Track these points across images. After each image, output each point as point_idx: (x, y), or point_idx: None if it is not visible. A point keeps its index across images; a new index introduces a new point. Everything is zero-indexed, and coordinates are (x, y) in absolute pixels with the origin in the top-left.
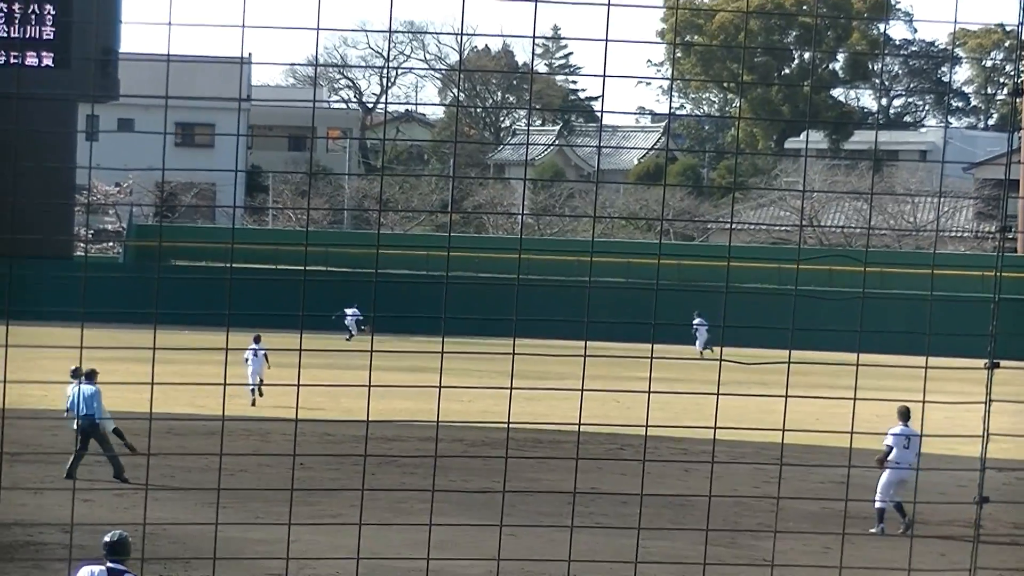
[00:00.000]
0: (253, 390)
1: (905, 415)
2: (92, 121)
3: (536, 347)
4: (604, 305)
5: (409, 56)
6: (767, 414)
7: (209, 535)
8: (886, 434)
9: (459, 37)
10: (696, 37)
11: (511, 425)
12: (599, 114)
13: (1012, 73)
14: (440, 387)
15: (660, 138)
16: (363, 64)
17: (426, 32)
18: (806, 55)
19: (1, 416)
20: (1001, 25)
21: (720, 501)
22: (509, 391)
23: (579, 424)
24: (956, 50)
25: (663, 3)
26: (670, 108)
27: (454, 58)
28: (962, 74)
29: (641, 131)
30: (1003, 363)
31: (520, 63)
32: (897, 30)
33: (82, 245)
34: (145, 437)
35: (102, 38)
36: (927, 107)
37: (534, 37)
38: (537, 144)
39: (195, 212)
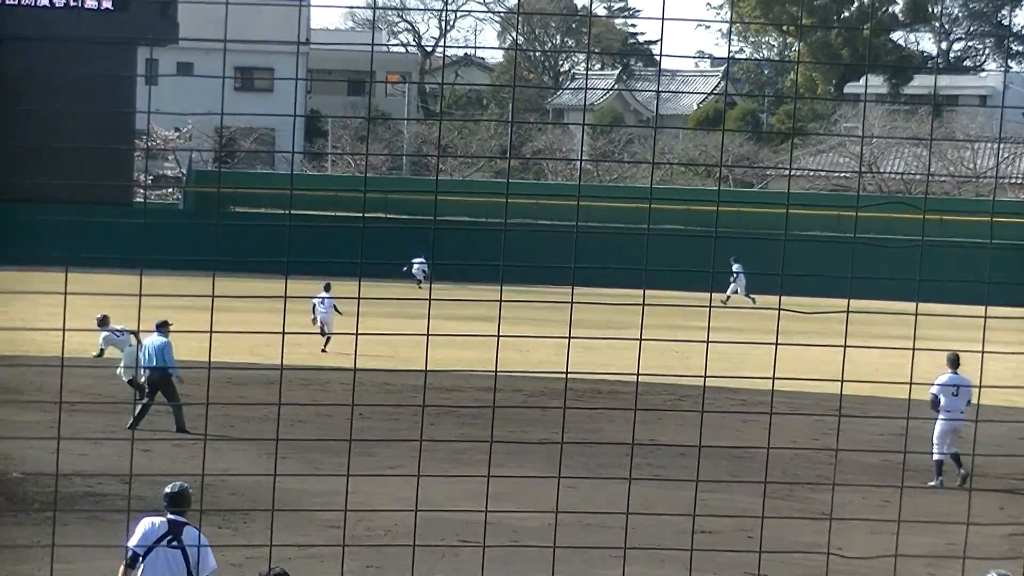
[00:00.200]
0: (325, 336)
1: (954, 362)
2: (151, 65)
3: (594, 295)
4: (663, 253)
5: None
6: (825, 364)
7: (267, 486)
8: (932, 384)
9: None
10: None
11: (569, 375)
12: (658, 58)
13: None
14: (498, 336)
15: (719, 83)
16: (422, 7)
17: None
18: None
19: (61, 364)
20: None
21: (778, 453)
22: (567, 341)
23: (637, 374)
24: None
25: None
26: (729, 52)
27: (513, 1)
28: (1023, 17)
29: (700, 75)
30: None
31: (579, 6)
32: None
33: (141, 191)
34: (204, 386)
35: None
36: (987, 51)
37: None
38: (596, 88)
39: (254, 158)
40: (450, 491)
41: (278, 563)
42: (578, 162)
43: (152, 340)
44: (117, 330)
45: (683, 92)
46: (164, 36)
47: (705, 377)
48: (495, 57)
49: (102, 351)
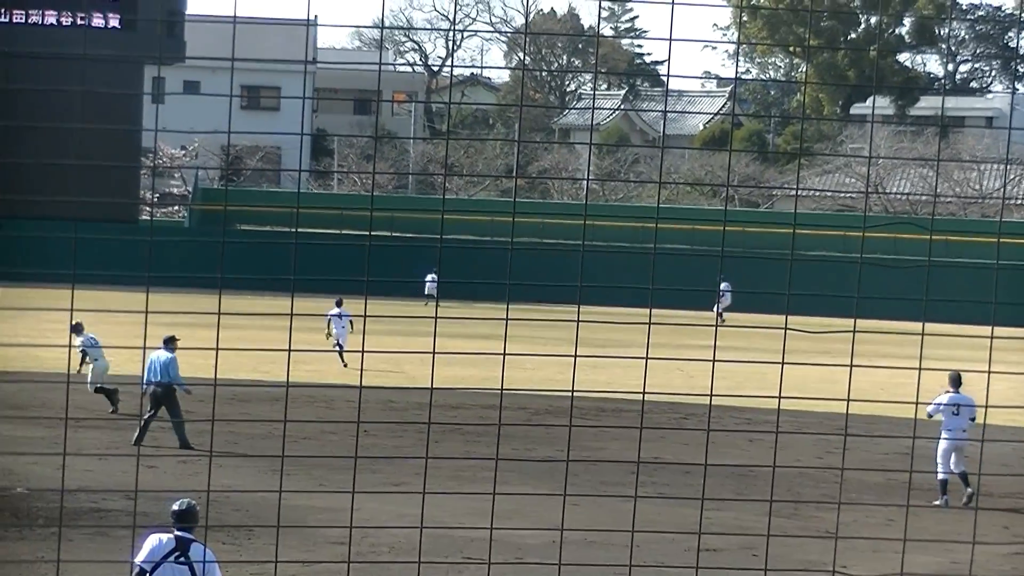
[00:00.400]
0: (341, 353)
1: (956, 381)
2: (158, 83)
3: (600, 314)
4: (669, 272)
5: (475, 19)
6: (830, 384)
7: (272, 502)
8: (931, 402)
9: (525, 0)
10: (762, 1)
11: (575, 393)
12: (665, 78)
13: None
14: (504, 354)
15: (726, 103)
16: (429, 27)
17: None
18: (872, 19)
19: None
20: None
21: (783, 472)
22: (574, 359)
23: (643, 393)
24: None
25: None
26: (736, 73)
27: (519, 21)
28: None
29: (707, 96)
30: None
31: (586, 26)
32: None
33: (147, 209)
34: (209, 403)
35: (168, 0)
36: (993, 72)
37: (600, 0)
38: (602, 108)
39: (260, 176)
40: (454, 508)
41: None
42: (585, 181)
43: (158, 355)
44: (91, 337)
45: (689, 112)
46: (171, 55)
47: (711, 396)
48: (501, 77)
49: (84, 355)
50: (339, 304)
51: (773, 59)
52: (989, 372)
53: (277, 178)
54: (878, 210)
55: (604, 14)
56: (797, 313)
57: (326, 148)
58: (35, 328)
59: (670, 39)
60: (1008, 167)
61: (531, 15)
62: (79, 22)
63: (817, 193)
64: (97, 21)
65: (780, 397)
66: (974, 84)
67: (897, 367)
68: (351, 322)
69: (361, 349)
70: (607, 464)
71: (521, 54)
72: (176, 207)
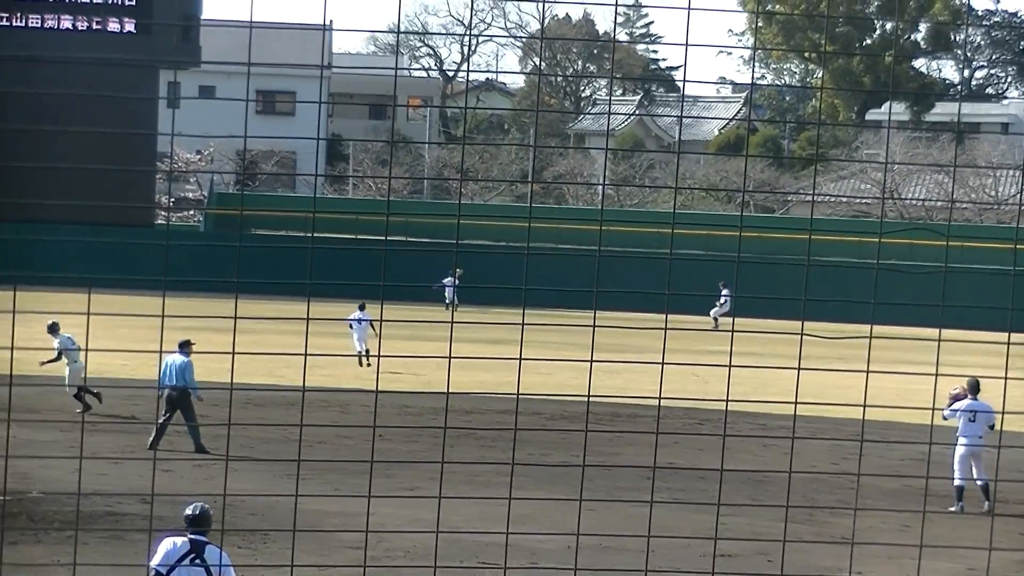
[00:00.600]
0: (361, 355)
1: (975, 388)
2: (173, 88)
3: (615, 319)
4: (684, 277)
5: (490, 24)
6: (846, 389)
7: (288, 507)
8: (948, 407)
9: (540, 5)
10: (778, 6)
11: (590, 398)
12: (680, 84)
13: None
14: (520, 359)
15: (741, 109)
16: (444, 32)
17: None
18: (888, 25)
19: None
20: None
21: (798, 477)
22: (589, 364)
23: (659, 398)
24: None
25: None
26: (752, 78)
27: (535, 26)
28: None
29: (722, 101)
30: None
31: (601, 32)
32: (980, 0)
33: (163, 213)
34: (225, 407)
35: (183, 4)
36: (1009, 79)
37: (616, 5)
38: (618, 114)
39: (276, 180)
40: (469, 513)
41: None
42: (600, 186)
43: (174, 359)
44: (68, 338)
45: (705, 117)
46: (186, 59)
47: (727, 401)
48: (517, 82)
49: (60, 354)
50: (362, 308)
51: (788, 65)
52: (1006, 378)
53: (292, 183)
54: (894, 216)
55: (619, 19)
56: (813, 319)
57: (341, 153)
58: None
59: (686, 44)
60: None
61: (546, 20)
62: (95, 26)
63: (832, 199)
64: (112, 26)
65: (796, 403)
66: (990, 90)
67: (913, 373)
68: (372, 325)
69: (377, 354)
70: (622, 469)
71: (536, 59)
72: (192, 211)
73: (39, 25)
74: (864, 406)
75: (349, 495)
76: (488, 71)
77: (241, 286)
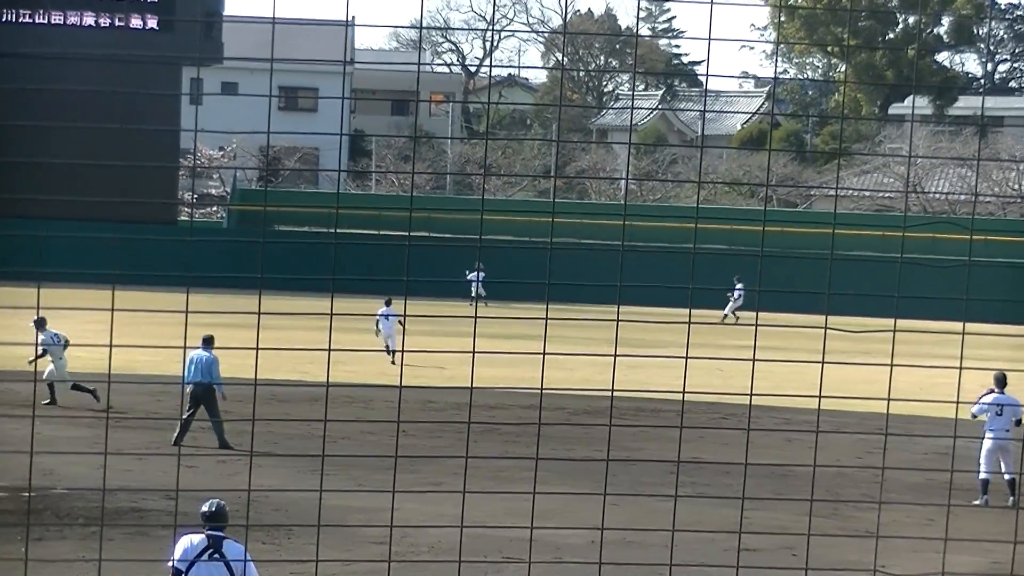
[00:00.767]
0: (390, 351)
1: (1001, 382)
2: (196, 84)
3: (638, 314)
4: (707, 272)
5: (512, 19)
6: (870, 383)
7: (311, 502)
8: (974, 402)
9: (562, 0)
10: (800, 0)
11: (614, 393)
12: (703, 78)
13: None
14: (544, 354)
15: (764, 103)
16: (466, 27)
17: None
18: (911, 19)
19: (108, 382)
20: None
21: (823, 472)
22: (613, 359)
23: (683, 392)
24: None
25: None
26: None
27: (557, 21)
28: None
29: (744, 96)
30: None
31: (623, 27)
32: None
33: (186, 210)
34: (249, 403)
35: (206, 1)
36: None
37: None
38: (640, 108)
39: (298, 176)
40: (493, 508)
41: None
42: (623, 181)
43: (199, 354)
44: (54, 334)
45: (727, 112)
46: (209, 56)
47: (751, 395)
48: (539, 77)
49: (45, 352)
50: (388, 304)
51: (811, 59)
52: None
53: (315, 179)
54: (917, 210)
55: (642, 14)
56: (836, 313)
57: (364, 149)
58: (76, 329)
59: (708, 39)
60: None
61: (568, 15)
62: (117, 23)
63: (856, 193)
64: (135, 23)
65: (820, 397)
66: (1013, 83)
67: (937, 367)
68: (399, 320)
69: (401, 349)
70: (646, 464)
71: (559, 54)
72: (214, 208)
73: (62, 22)
74: (888, 400)
75: (373, 490)
76: (510, 66)
77: (264, 282)
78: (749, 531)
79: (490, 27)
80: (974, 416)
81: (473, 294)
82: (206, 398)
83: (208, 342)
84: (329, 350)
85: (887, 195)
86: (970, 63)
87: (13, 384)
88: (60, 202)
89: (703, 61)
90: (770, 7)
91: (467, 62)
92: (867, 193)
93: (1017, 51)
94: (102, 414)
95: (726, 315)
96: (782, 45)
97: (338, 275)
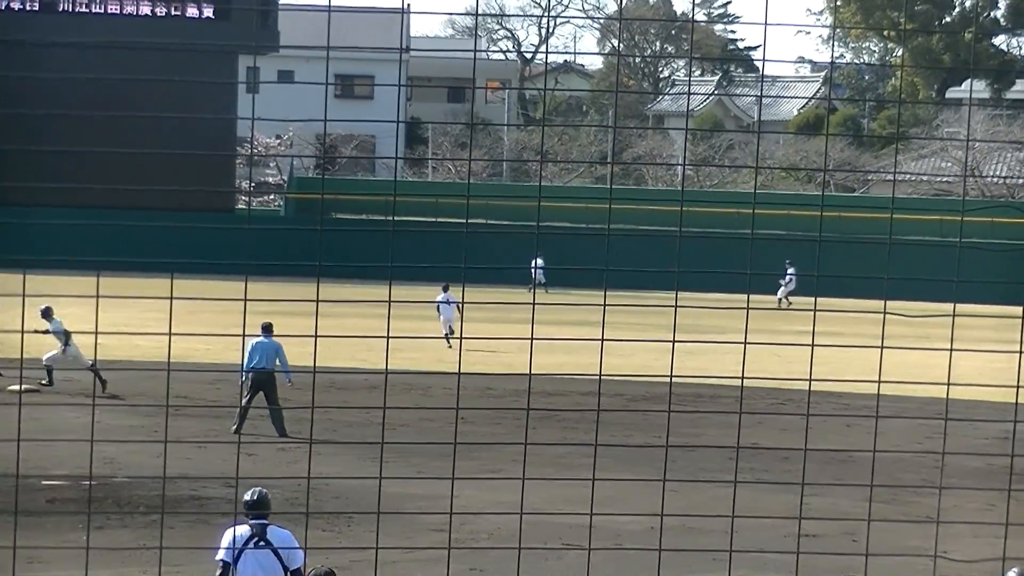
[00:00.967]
0: (447, 337)
1: None
2: (253, 73)
3: (696, 300)
4: (765, 258)
5: (568, 6)
6: (929, 368)
7: (371, 489)
8: None
9: None
10: None
11: (672, 379)
12: (759, 63)
13: None
14: (602, 340)
15: (820, 88)
16: (522, 14)
17: None
18: (967, 2)
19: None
20: None
21: (883, 457)
22: (671, 345)
23: (742, 378)
24: None
25: None
26: (831, 57)
27: (612, 7)
28: None
29: (801, 81)
30: None
31: (679, 12)
32: None
33: (244, 198)
34: (307, 391)
35: None
36: None
37: None
38: (697, 94)
39: (355, 164)
40: (552, 495)
41: (330, 567)
42: (680, 167)
43: (262, 341)
44: (59, 322)
45: (784, 97)
46: (265, 44)
47: (810, 381)
48: (595, 64)
49: (67, 339)
50: (445, 289)
51: (867, 43)
52: None
53: (372, 166)
54: (975, 194)
55: (697, 0)
56: (895, 298)
57: (420, 136)
58: (135, 317)
59: (764, 24)
60: None
61: (624, 1)
62: (174, 12)
63: (913, 177)
64: (191, 12)
65: (879, 382)
66: None
67: (996, 351)
68: (458, 306)
69: (459, 336)
70: (705, 450)
71: (614, 40)
72: (272, 196)
73: (119, 11)
74: (948, 385)
75: (433, 477)
76: (566, 52)
77: (322, 270)
78: (809, 517)
79: (546, 13)
80: None
81: (534, 281)
82: (266, 385)
83: (268, 329)
84: (388, 337)
85: (945, 179)
86: None
87: (73, 372)
88: (120, 191)
89: (759, 46)
90: None
91: (523, 49)
92: (925, 177)
93: None
94: (160, 401)
95: (780, 300)
96: (838, 30)
97: (395, 263)
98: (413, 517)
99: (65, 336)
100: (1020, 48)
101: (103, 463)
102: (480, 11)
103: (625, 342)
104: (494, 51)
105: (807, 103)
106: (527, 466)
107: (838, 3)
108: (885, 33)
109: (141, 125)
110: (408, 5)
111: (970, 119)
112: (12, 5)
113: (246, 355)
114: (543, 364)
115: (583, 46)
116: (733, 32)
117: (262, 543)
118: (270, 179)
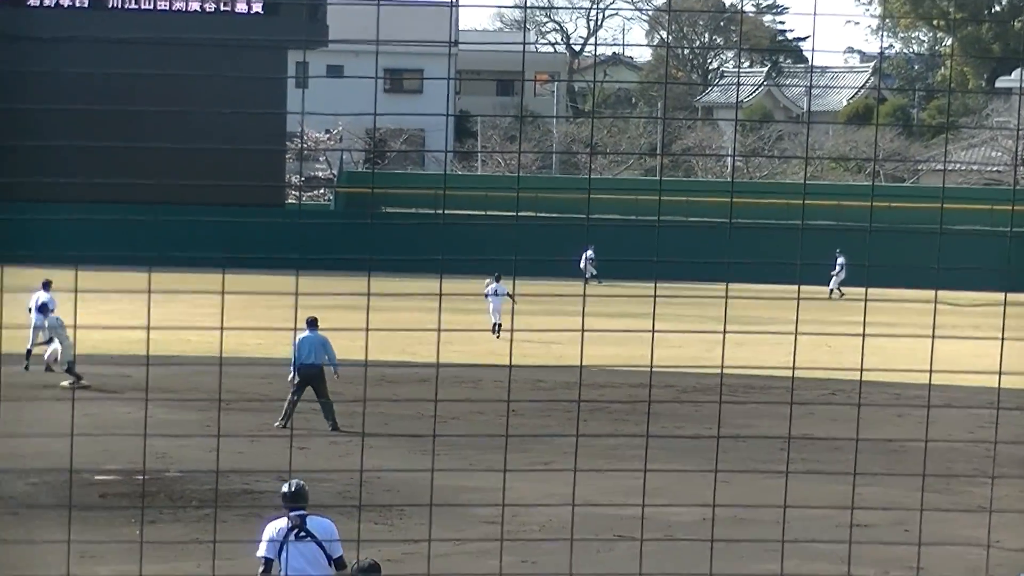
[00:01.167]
0: (495, 327)
1: None
2: (302, 68)
3: (746, 291)
4: (815, 248)
5: None
6: (980, 357)
7: (423, 482)
8: None
9: None
10: None
11: (723, 370)
12: (808, 54)
13: None
14: (652, 331)
15: (870, 78)
16: (570, 7)
17: None
18: None
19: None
20: None
21: (933, 446)
22: (722, 336)
23: (792, 368)
24: None
25: None
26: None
27: (661, 0)
28: None
29: (850, 71)
30: None
31: (727, 3)
32: None
33: (294, 193)
34: (358, 385)
35: None
36: None
37: None
38: (745, 85)
39: (405, 158)
40: (603, 487)
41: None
42: (729, 158)
43: (310, 336)
44: (56, 317)
45: (833, 87)
46: (314, 39)
47: (861, 371)
48: (644, 56)
49: (51, 337)
50: (496, 279)
51: (917, 33)
52: None
53: (421, 160)
54: None
55: None
56: (946, 287)
57: (470, 130)
58: (187, 313)
59: (814, 14)
60: None
61: None
62: (223, 8)
63: (963, 167)
64: (240, 7)
65: (931, 371)
66: None
67: None
68: (510, 295)
69: (511, 328)
70: (756, 440)
71: (663, 32)
72: (322, 190)
73: (167, 8)
74: (999, 374)
75: (484, 470)
76: (615, 44)
77: (372, 264)
78: (861, 506)
79: (594, 6)
80: None
81: (585, 273)
82: (315, 380)
83: (313, 324)
84: (439, 330)
85: (995, 169)
86: None
87: (123, 368)
88: (170, 186)
89: (808, 37)
90: None
91: (571, 41)
92: (975, 167)
93: None
94: (212, 396)
95: (832, 290)
96: (887, 19)
97: (446, 256)
98: (464, 509)
99: (57, 331)
100: None
101: (155, 458)
102: (529, 4)
103: (676, 333)
104: (543, 44)
105: (856, 93)
106: (578, 458)
107: None
108: (934, 22)
109: (193, 121)
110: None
111: (1020, 108)
112: (62, 3)
113: (294, 351)
114: (594, 356)
115: (632, 38)
116: (782, 23)
117: (303, 534)
118: (320, 174)
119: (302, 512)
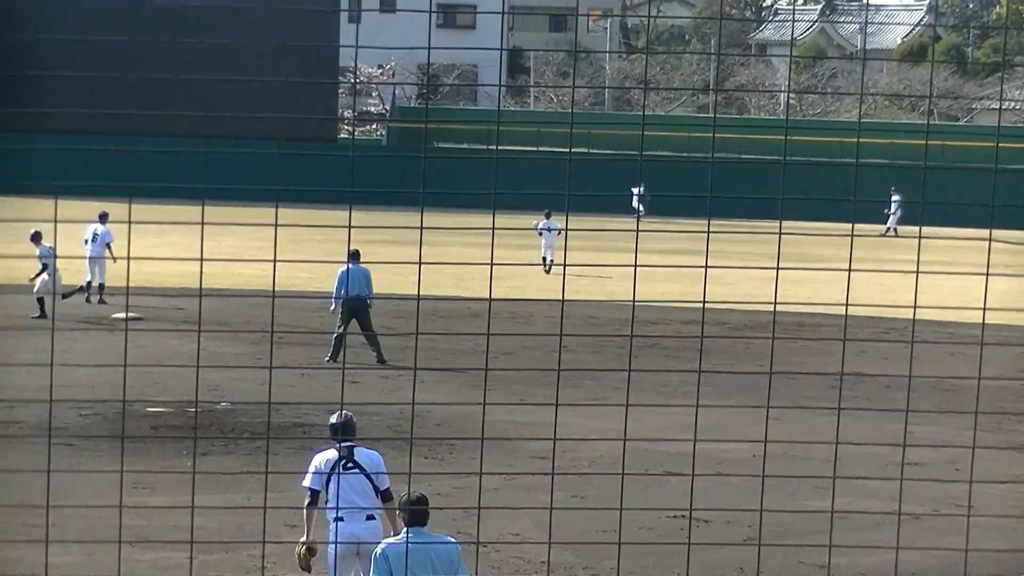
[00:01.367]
0: (546, 261)
1: None
2: (355, 2)
3: (799, 228)
4: (868, 186)
5: None
6: None
7: (473, 417)
8: None
9: None
10: None
11: (776, 307)
12: None
13: None
14: (705, 267)
15: (924, 16)
16: None
17: None
18: None
19: (272, 297)
20: None
21: (985, 385)
22: (776, 272)
23: (846, 306)
24: None
25: None
26: None
27: None
28: None
29: (905, 9)
30: None
31: None
32: None
33: (346, 127)
34: (410, 319)
35: None
36: None
37: None
38: (800, 21)
39: (457, 93)
40: (654, 423)
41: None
42: (783, 95)
43: (354, 268)
44: (48, 247)
45: (888, 23)
46: None
47: (915, 309)
48: None
49: (44, 267)
50: (548, 216)
51: None
52: None
53: (474, 95)
54: None
55: None
56: (1000, 227)
57: (522, 65)
58: (239, 246)
59: None
60: None
61: None
62: None
63: (1018, 105)
64: None
65: (984, 309)
66: None
67: None
68: (559, 232)
69: (563, 263)
70: (808, 378)
71: None
72: (375, 125)
73: None
74: None
75: (535, 404)
76: None
77: (425, 198)
78: (912, 444)
79: None
80: None
81: (638, 209)
82: (361, 312)
83: (355, 256)
84: (492, 264)
85: None
86: None
87: (176, 300)
88: (223, 119)
89: None
90: None
91: None
92: None
93: None
94: (263, 328)
95: (888, 228)
96: None
97: (498, 191)
98: (515, 444)
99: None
100: None
101: (207, 390)
102: None
103: (728, 270)
104: None
105: (911, 31)
106: (629, 394)
107: None
108: None
109: (244, 55)
110: None
111: None
112: None
113: (341, 283)
114: (645, 292)
115: None
116: None
117: (351, 465)
118: (372, 109)
119: (350, 444)
